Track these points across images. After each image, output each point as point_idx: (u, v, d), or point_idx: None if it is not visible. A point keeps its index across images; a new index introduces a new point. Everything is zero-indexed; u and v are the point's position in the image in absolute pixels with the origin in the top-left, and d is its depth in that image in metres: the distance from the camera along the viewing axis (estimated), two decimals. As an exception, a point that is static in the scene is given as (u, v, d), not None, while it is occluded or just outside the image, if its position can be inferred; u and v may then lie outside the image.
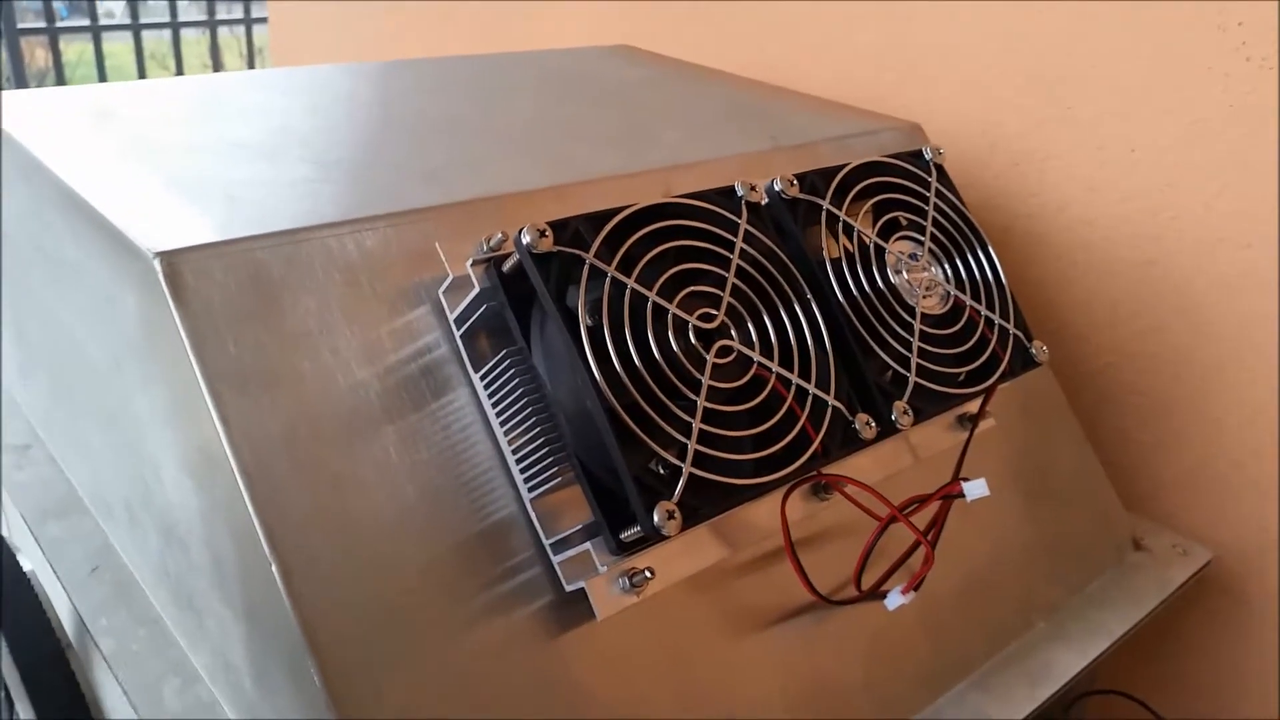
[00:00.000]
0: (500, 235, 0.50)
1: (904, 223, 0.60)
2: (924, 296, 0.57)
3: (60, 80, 3.54)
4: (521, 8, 1.42)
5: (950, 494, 0.55)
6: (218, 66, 4.04)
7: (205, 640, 0.54)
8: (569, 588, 0.49)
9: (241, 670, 0.50)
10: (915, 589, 0.54)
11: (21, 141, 0.60)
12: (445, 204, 0.54)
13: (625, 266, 0.48)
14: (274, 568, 0.43)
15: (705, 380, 0.47)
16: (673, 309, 0.48)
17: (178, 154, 0.59)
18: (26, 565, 0.68)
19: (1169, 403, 0.85)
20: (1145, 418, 0.87)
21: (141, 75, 3.58)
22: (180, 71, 3.88)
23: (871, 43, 0.97)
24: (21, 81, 3.53)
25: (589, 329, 0.46)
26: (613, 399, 0.45)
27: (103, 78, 3.58)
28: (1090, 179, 0.85)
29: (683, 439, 0.46)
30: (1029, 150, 0.88)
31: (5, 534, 0.71)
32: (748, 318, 0.51)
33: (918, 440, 0.61)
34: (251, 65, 4.02)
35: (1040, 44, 0.85)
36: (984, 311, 0.59)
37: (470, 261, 0.49)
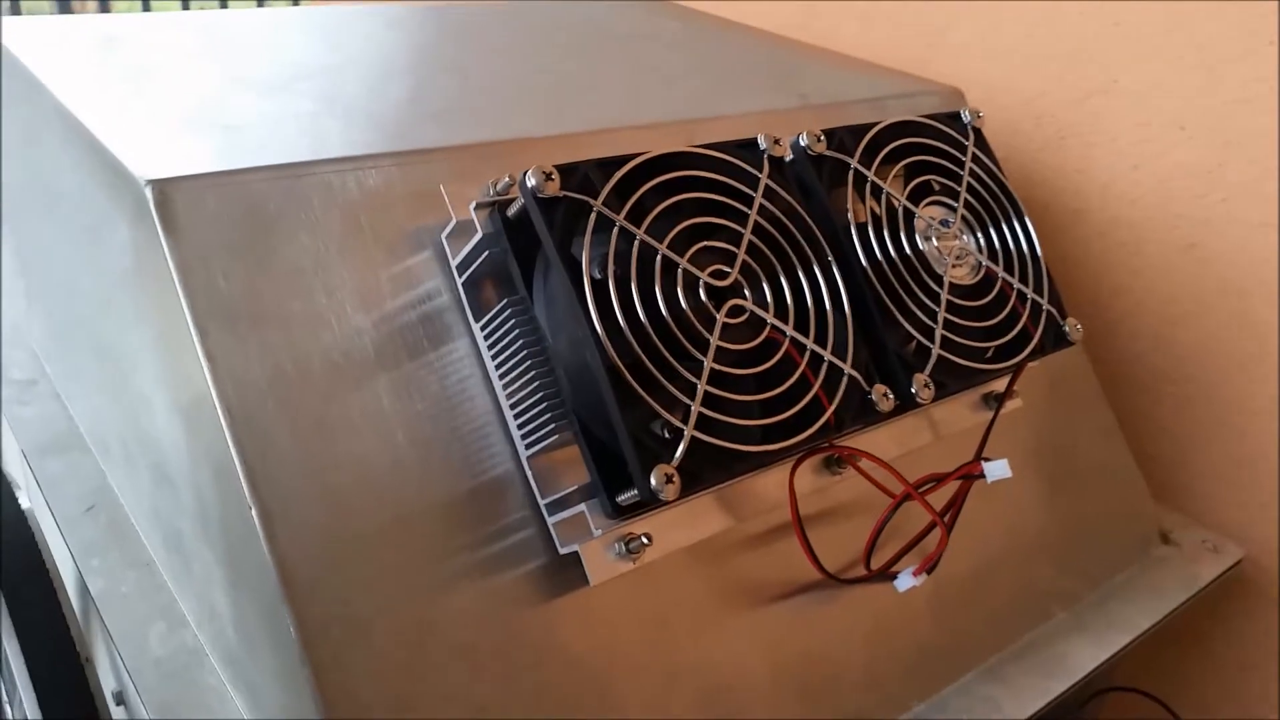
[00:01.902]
0: (507, 179, 0.48)
1: (936, 187, 0.57)
2: (953, 265, 0.54)
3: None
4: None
5: (970, 474, 0.52)
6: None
7: (192, 585, 0.53)
8: (563, 550, 0.47)
9: (224, 617, 0.49)
10: (928, 571, 0.52)
11: (26, 64, 0.58)
12: (452, 145, 0.52)
13: (635, 217, 0.46)
14: (253, 512, 0.41)
15: (714, 340, 0.45)
16: (683, 263, 0.46)
17: (181, 83, 0.57)
18: (25, 502, 0.68)
19: (1206, 392, 0.81)
20: (1180, 406, 0.83)
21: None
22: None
23: (912, 6, 0.94)
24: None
25: (593, 280, 0.43)
26: (614, 354, 0.42)
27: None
28: (1135, 156, 0.81)
29: (687, 400, 0.44)
30: (1073, 123, 0.84)
31: (5, 469, 0.70)
32: (763, 277, 0.48)
33: (939, 417, 0.58)
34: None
35: (1088, 13, 0.81)
36: (1016, 284, 0.56)
37: (474, 205, 0.47)
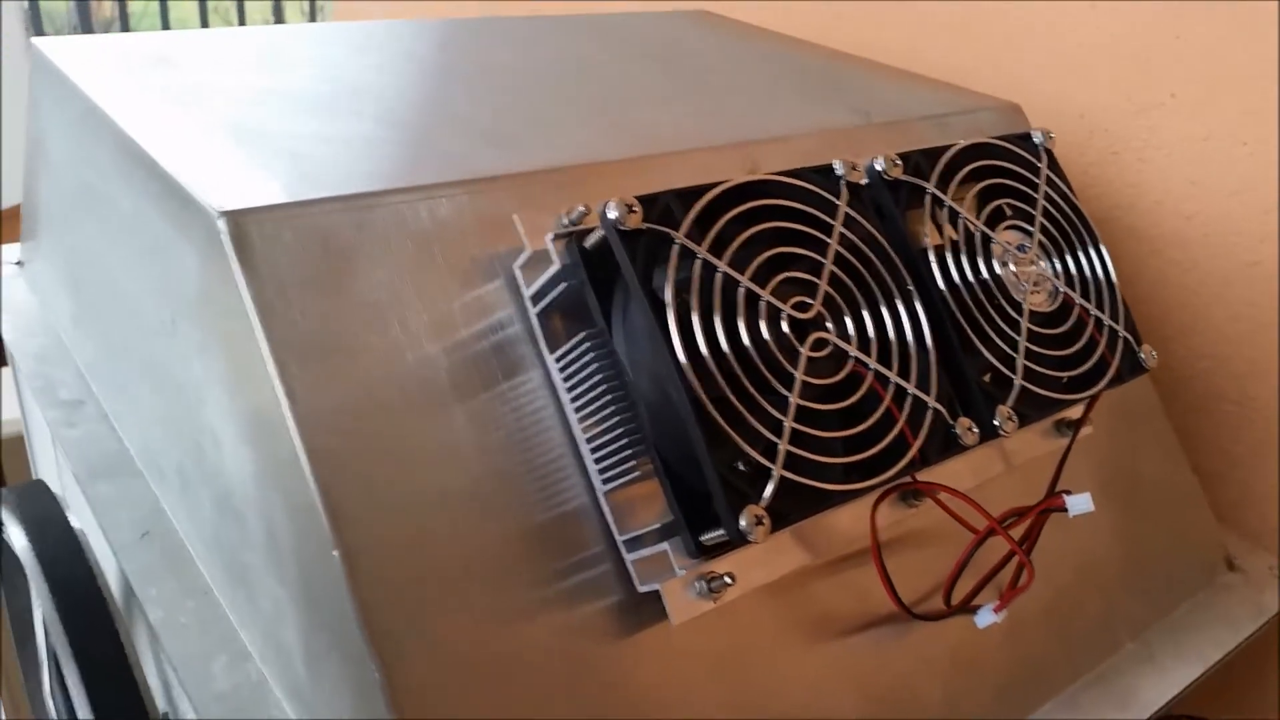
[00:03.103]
0: (582, 208, 0.47)
1: (1008, 211, 0.56)
2: (1031, 292, 0.53)
3: (126, 30, 3.55)
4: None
5: (1052, 507, 0.51)
6: (280, 23, 4.02)
7: (257, 617, 0.52)
8: (642, 589, 0.46)
9: (293, 652, 0.48)
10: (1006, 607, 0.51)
11: (80, 85, 0.57)
12: (520, 172, 0.51)
13: (715, 248, 0.45)
14: (336, 553, 0.40)
15: (799, 375, 0.44)
16: (766, 296, 0.45)
17: (238, 105, 0.56)
18: (75, 523, 0.67)
19: (1266, 412, 0.80)
20: (1238, 426, 0.82)
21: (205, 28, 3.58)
22: (243, 25, 3.88)
23: (956, 13, 0.92)
24: (88, 30, 3.55)
25: (677, 314, 0.42)
26: (700, 390, 0.41)
27: (167, 29, 3.58)
28: (1193, 171, 0.79)
29: (772, 437, 0.42)
30: (1128, 137, 0.83)
31: (58, 491, 0.70)
32: (845, 308, 0.47)
33: (1011, 446, 0.57)
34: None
35: (1147, 25, 0.79)
36: (1093, 311, 0.55)
37: (551, 236, 0.46)
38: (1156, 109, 0.80)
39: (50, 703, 0.74)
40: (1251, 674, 0.84)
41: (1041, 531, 0.53)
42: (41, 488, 0.68)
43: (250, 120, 0.53)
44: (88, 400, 0.73)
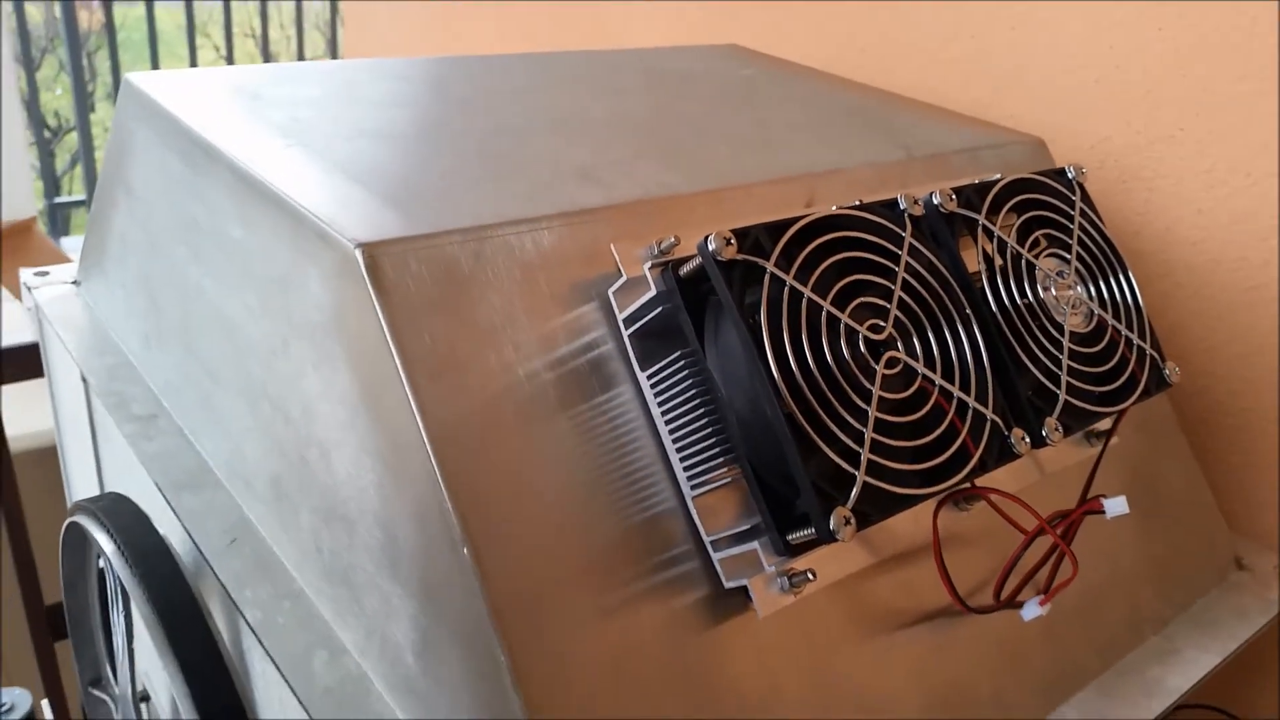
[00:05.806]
0: (672, 239, 0.52)
1: (1043, 241, 0.61)
2: (1071, 314, 0.58)
3: (113, 39, 3.58)
4: (589, 7, 1.43)
5: (1092, 510, 0.56)
6: (265, 35, 4.06)
7: (359, 617, 0.56)
8: (729, 584, 0.50)
9: (404, 646, 0.52)
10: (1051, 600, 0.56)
11: (187, 122, 0.62)
12: (611, 205, 0.56)
13: (800, 275, 0.49)
14: (466, 549, 0.45)
15: (876, 391, 0.49)
16: (845, 319, 0.50)
17: (340, 141, 0.60)
18: (160, 530, 0.70)
19: (1263, 425, 0.86)
20: (1236, 438, 0.87)
21: (191, 39, 3.62)
22: (229, 38, 3.91)
23: (970, 48, 0.98)
24: (74, 36, 3.58)
25: (770, 335, 0.47)
26: (792, 404, 0.46)
27: (153, 39, 3.62)
28: (1199, 201, 0.85)
29: (854, 446, 0.47)
30: (1137, 168, 0.88)
31: (137, 501, 0.73)
32: (912, 330, 0.52)
33: (1045, 455, 0.62)
34: (301, 35, 4.03)
35: (1155, 61, 0.85)
36: (1124, 331, 0.60)
37: (648, 265, 0.51)
38: (1165, 142, 0.86)
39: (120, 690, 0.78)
40: (1251, 662, 0.90)
41: (1077, 532, 0.58)
42: (124, 500, 0.72)
43: (358, 156, 0.58)
44: (160, 415, 0.77)
